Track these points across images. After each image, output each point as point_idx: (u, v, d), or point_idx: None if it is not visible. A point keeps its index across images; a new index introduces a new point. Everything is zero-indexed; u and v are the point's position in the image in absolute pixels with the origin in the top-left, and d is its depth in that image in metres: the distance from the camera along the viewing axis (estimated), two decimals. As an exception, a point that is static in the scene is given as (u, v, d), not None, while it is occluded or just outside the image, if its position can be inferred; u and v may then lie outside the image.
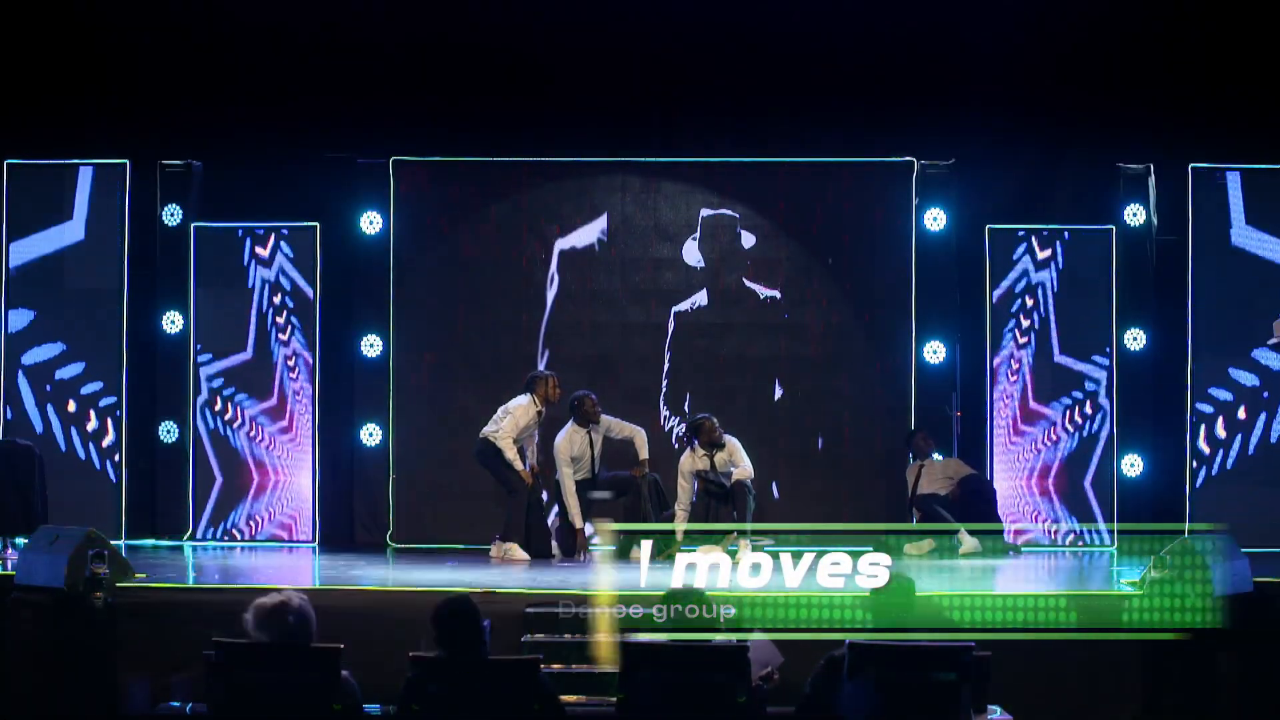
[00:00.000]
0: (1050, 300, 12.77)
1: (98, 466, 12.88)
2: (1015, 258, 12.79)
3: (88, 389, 12.90)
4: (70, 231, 12.91)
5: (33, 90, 13.10)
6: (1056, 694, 8.90)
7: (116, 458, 12.86)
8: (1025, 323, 12.79)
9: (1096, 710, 9.01)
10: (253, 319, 12.95)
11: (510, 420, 11.81)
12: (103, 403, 12.90)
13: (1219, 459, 12.69)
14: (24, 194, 12.97)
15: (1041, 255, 12.77)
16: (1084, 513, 12.77)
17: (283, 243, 12.99)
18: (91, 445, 12.89)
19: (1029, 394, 12.81)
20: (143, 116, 13.20)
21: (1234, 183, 12.71)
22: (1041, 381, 12.80)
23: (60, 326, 12.91)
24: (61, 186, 12.92)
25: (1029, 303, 12.78)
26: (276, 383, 12.97)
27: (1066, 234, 12.83)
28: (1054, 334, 12.78)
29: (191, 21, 13.05)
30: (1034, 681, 8.72)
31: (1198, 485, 12.63)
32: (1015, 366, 12.82)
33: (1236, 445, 12.71)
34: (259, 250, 12.98)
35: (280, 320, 12.99)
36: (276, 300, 12.98)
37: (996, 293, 12.81)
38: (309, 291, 12.99)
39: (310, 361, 12.97)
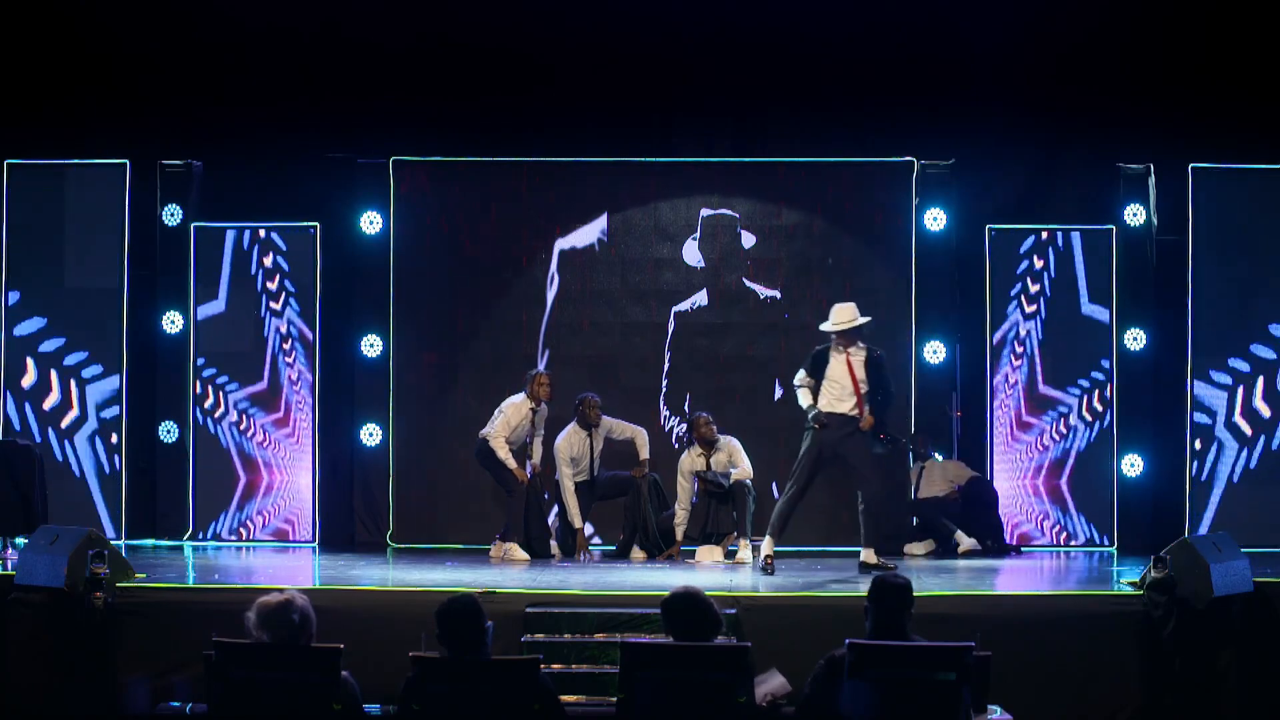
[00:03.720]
0: (1036, 344, 12.84)
1: (92, 466, 12.92)
2: (1009, 311, 12.85)
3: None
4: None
5: (33, 90, 13.12)
6: (1056, 694, 8.90)
7: (117, 455, 12.91)
8: (1020, 349, 12.84)
9: (1096, 710, 9.01)
10: (269, 349, 12.99)
11: (503, 419, 11.82)
12: (103, 402, 12.94)
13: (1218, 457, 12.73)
14: (24, 194, 12.99)
15: (1029, 309, 12.83)
16: (1089, 515, 12.81)
17: (282, 243, 13.00)
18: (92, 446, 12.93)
19: (1022, 409, 12.85)
20: (143, 116, 13.21)
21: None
22: (1032, 399, 12.87)
23: (61, 325, 12.94)
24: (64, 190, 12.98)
25: (1022, 331, 12.83)
26: (280, 389, 12.97)
27: (1059, 235, 12.87)
28: (1039, 368, 12.83)
29: (191, 22, 13.06)
30: (1034, 681, 8.72)
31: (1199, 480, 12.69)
32: (1010, 385, 12.86)
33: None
34: (259, 248, 13.00)
35: (281, 321, 12.99)
36: (278, 305, 12.98)
37: (995, 336, 12.86)
38: (309, 291, 13.00)
39: (310, 362, 12.97)
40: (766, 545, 10.70)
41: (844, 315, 10.77)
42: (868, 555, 10.74)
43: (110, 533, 12.49)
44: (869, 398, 10.67)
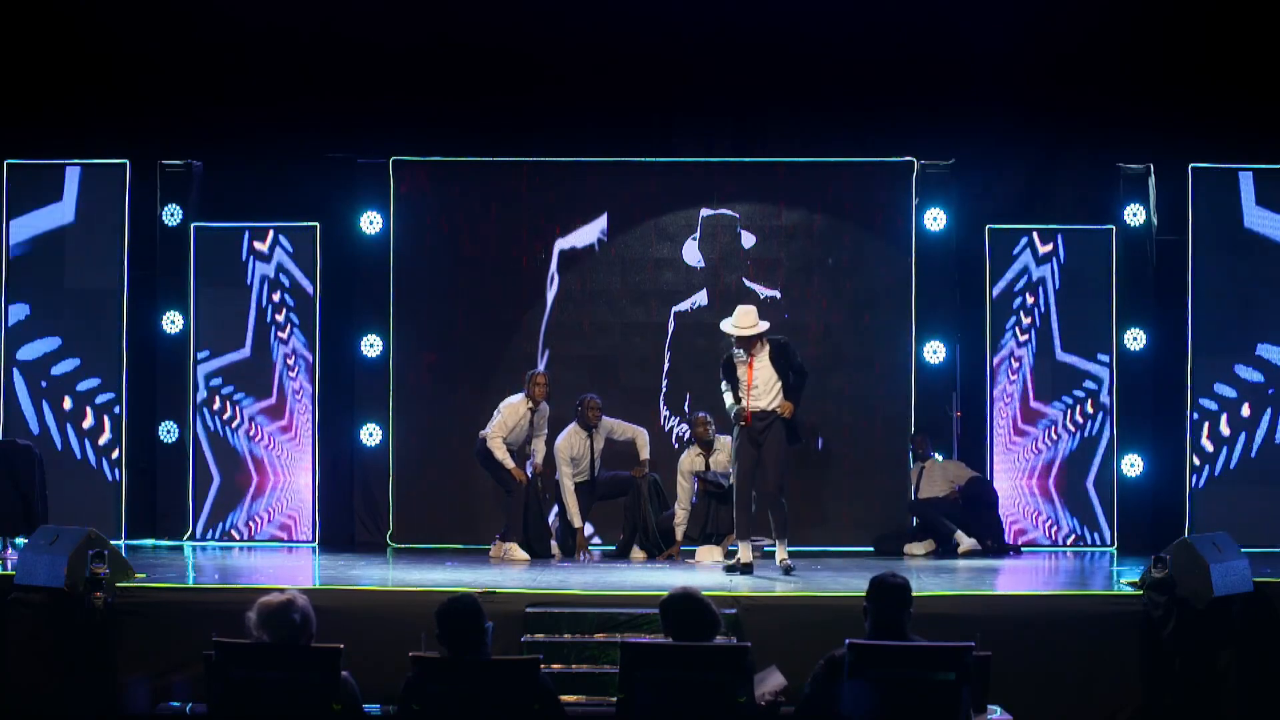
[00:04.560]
0: (1052, 297, 12.81)
1: (93, 466, 12.91)
2: (1016, 251, 12.86)
3: (87, 388, 12.94)
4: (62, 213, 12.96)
5: (33, 90, 13.13)
6: (1056, 694, 8.90)
7: (115, 456, 12.90)
8: (1026, 320, 12.82)
9: (1096, 710, 9.01)
10: (251, 317, 12.97)
11: (500, 420, 11.82)
12: (102, 402, 12.93)
13: (1221, 458, 12.73)
14: (23, 194, 12.99)
15: (1043, 249, 12.81)
16: (1085, 513, 12.80)
17: (282, 241, 13.01)
18: (89, 445, 12.92)
19: (1029, 393, 12.84)
20: (143, 116, 13.21)
21: (1246, 179, 12.74)
22: (1042, 380, 12.83)
23: (59, 326, 12.94)
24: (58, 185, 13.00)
25: (1029, 300, 12.84)
26: (276, 383, 12.99)
27: (1060, 236, 12.87)
28: (1055, 331, 12.82)
29: (191, 22, 13.07)
30: (1034, 681, 8.72)
31: (1199, 485, 12.67)
32: (1015, 365, 12.85)
33: (1240, 444, 12.74)
34: (258, 248, 13.01)
35: (280, 320, 13.00)
36: (276, 299, 12.99)
37: (997, 288, 12.84)
38: (309, 291, 13.00)
39: (310, 361, 12.98)
40: (744, 551, 10.65)
41: (746, 320, 10.63)
42: (782, 553, 10.65)
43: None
44: (782, 388, 10.60)
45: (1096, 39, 12.97)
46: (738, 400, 10.65)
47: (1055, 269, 12.83)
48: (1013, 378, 12.87)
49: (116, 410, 12.92)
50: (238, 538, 12.99)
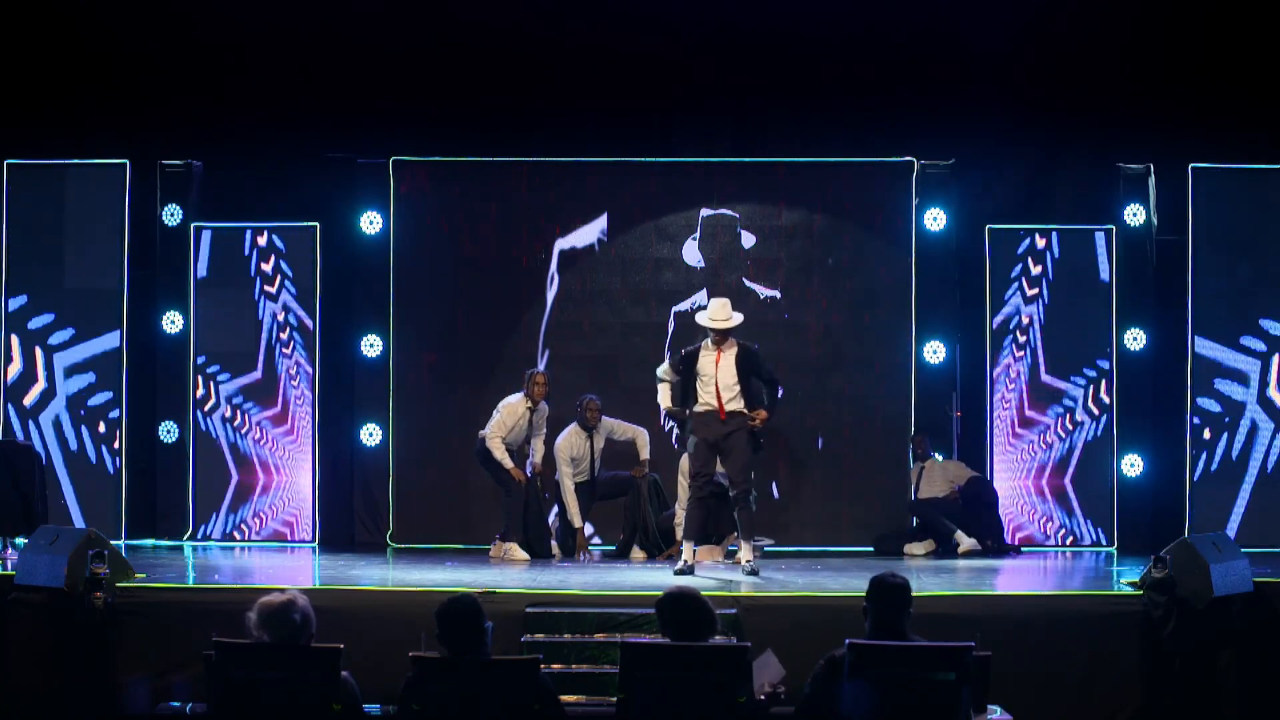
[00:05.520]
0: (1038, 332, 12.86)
1: (94, 464, 12.93)
2: (1008, 296, 12.84)
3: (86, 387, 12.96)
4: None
5: (33, 90, 13.12)
6: (1056, 694, 8.91)
7: (115, 455, 12.91)
8: (1022, 338, 12.84)
9: (1096, 710, 9.02)
10: (261, 328, 13.01)
11: (498, 420, 11.82)
12: (102, 402, 12.95)
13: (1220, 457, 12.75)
14: (24, 194, 12.99)
15: (1031, 292, 12.81)
16: (1100, 514, 12.81)
17: (282, 243, 13.01)
18: (88, 445, 12.94)
19: (1040, 370, 12.85)
20: (143, 116, 13.21)
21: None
22: (1056, 356, 12.87)
23: (58, 325, 12.95)
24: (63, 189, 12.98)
25: (1024, 319, 12.86)
26: (272, 378, 12.98)
27: (1056, 234, 12.89)
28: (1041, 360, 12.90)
29: (191, 22, 13.06)
30: (1034, 681, 8.73)
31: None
32: (1014, 375, 12.86)
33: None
34: (259, 249, 13.01)
35: (280, 321, 12.99)
36: (277, 305, 12.99)
37: (995, 320, 12.84)
38: (309, 292, 13.00)
39: (310, 361, 12.97)
40: (688, 552, 10.56)
41: (721, 313, 10.47)
42: (747, 554, 10.55)
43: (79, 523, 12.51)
44: (751, 394, 10.44)
45: (1096, 39, 12.97)
46: (676, 400, 10.54)
47: (1041, 306, 12.85)
48: (1010, 386, 12.88)
49: (116, 410, 12.92)
50: (238, 538, 12.98)
